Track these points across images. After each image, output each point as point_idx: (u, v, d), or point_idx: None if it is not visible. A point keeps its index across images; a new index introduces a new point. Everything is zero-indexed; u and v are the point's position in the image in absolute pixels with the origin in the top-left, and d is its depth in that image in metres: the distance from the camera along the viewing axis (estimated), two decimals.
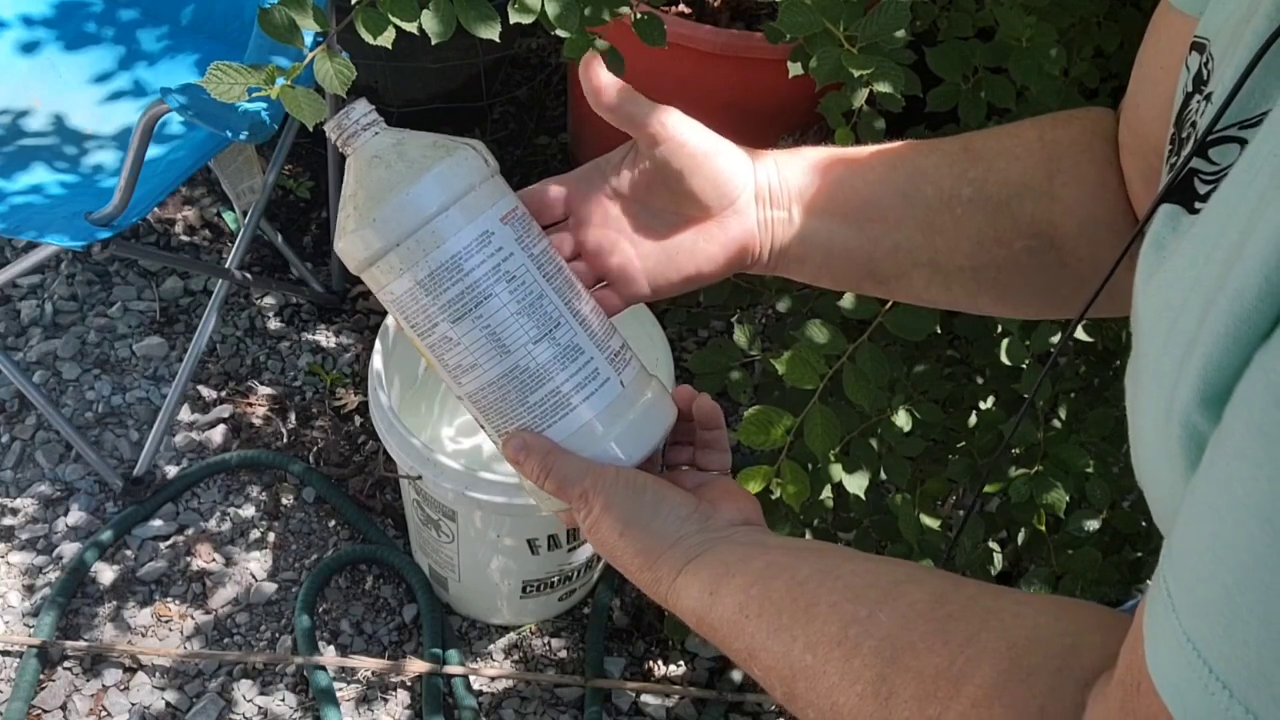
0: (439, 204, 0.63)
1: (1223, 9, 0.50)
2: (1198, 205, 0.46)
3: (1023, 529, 1.39)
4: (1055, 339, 1.26)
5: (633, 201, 0.71)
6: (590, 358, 0.66)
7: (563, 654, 1.76)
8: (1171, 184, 0.48)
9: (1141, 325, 0.48)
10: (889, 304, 1.21)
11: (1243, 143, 0.44)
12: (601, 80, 0.69)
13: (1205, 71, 0.50)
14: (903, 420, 1.30)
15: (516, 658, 1.75)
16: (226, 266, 1.77)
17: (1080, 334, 1.32)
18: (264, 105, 1.45)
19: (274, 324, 2.05)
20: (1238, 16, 0.48)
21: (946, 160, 0.71)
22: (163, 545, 1.80)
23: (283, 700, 1.66)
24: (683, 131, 0.68)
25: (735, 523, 0.66)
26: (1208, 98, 0.49)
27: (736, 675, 1.72)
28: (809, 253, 0.72)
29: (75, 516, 1.81)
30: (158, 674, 1.68)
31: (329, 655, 1.70)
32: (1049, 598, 0.55)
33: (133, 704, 1.65)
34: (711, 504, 0.67)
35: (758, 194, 0.71)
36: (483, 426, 0.69)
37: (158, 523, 1.81)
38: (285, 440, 1.92)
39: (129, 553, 1.78)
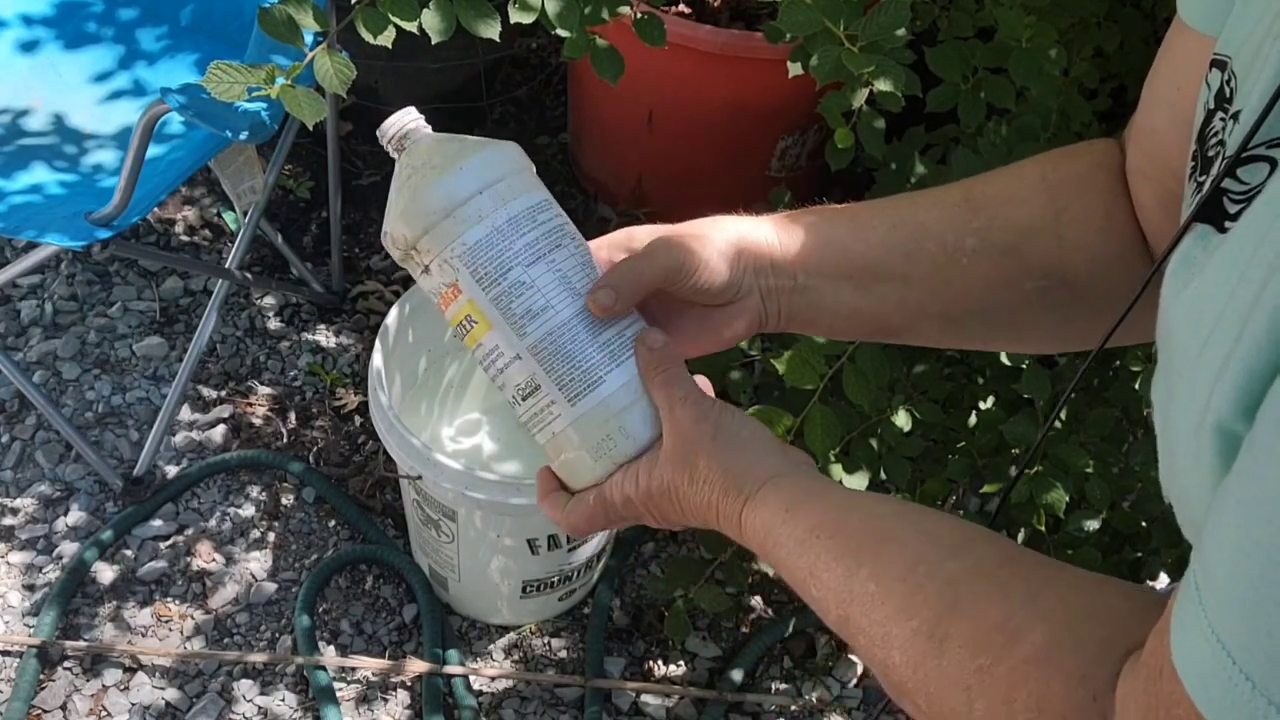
0: (474, 189, 0.70)
1: (1243, 27, 0.51)
2: (1227, 224, 0.47)
3: (1023, 529, 1.39)
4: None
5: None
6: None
7: (563, 654, 1.76)
8: (1203, 203, 0.49)
9: (1172, 339, 0.49)
10: None
11: (1273, 162, 0.45)
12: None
13: (1228, 89, 0.50)
14: (903, 420, 1.30)
15: (516, 658, 1.75)
16: (226, 266, 1.77)
17: None
18: (264, 105, 1.44)
19: (274, 324, 2.05)
20: (1259, 33, 0.49)
21: (948, 214, 0.72)
22: (163, 545, 1.80)
23: (283, 700, 1.66)
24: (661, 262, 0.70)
25: (809, 463, 0.70)
26: (1234, 116, 0.49)
27: (736, 675, 1.72)
28: (818, 316, 0.74)
29: (75, 516, 1.81)
30: (158, 674, 1.68)
31: (329, 655, 1.70)
32: (1108, 578, 0.56)
33: (133, 704, 1.65)
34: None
35: (758, 268, 0.72)
36: (540, 385, 0.72)
37: (158, 523, 1.81)
38: (285, 440, 1.92)
39: (129, 553, 1.78)
